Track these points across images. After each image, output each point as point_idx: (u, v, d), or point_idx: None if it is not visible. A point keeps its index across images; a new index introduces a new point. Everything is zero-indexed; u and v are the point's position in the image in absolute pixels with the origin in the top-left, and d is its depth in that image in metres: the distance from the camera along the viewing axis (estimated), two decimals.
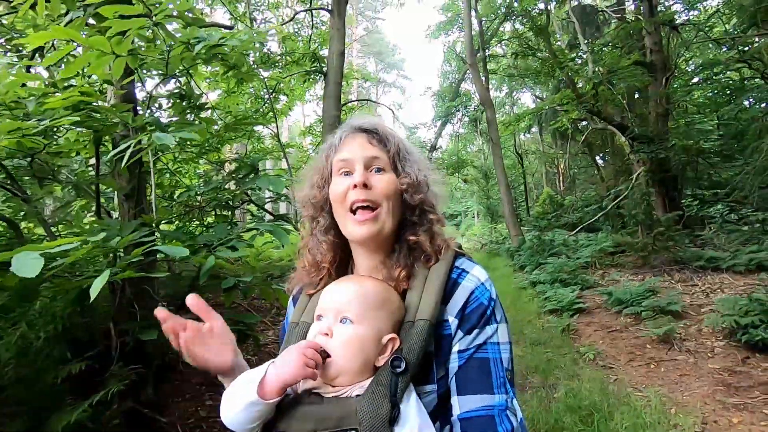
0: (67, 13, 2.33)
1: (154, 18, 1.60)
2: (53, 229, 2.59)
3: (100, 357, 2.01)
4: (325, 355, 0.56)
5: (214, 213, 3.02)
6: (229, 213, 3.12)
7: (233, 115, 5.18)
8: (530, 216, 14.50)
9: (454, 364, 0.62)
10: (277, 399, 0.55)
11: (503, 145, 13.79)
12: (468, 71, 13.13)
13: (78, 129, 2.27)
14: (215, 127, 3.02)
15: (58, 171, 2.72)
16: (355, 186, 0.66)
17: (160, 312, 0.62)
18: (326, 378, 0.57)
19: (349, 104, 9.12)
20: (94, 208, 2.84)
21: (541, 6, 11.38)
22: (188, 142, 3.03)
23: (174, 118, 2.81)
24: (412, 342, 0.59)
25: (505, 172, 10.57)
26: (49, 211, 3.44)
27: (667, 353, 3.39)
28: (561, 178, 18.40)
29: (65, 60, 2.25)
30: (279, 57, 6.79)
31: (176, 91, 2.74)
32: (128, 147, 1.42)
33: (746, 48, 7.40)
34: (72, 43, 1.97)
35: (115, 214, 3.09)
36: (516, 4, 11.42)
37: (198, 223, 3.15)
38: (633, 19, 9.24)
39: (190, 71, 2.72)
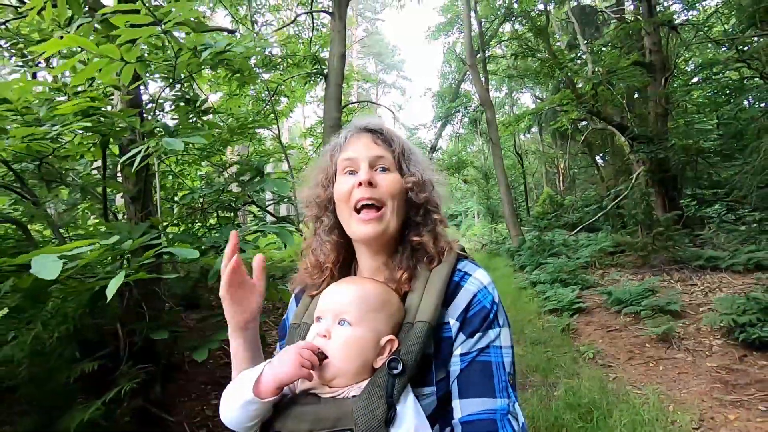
0: (71, 18, 2.38)
1: (163, 26, 1.64)
2: (60, 232, 2.63)
3: (109, 357, 2.06)
4: (322, 356, 0.57)
5: (216, 215, 3.07)
6: (232, 215, 3.17)
7: (235, 117, 5.23)
8: (530, 216, 14.52)
9: (455, 367, 0.61)
10: (273, 398, 0.55)
11: (503, 146, 13.82)
12: (468, 72, 13.16)
13: (85, 133, 2.32)
14: (217, 130, 3.07)
15: (65, 174, 2.77)
16: (360, 184, 0.66)
17: (233, 234, 0.66)
18: (324, 379, 0.57)
19: (350, 106, 9.16)
20: (98, 211, 2.90)
21: (541, 7, 11.43)
22: (192, 145, 3.08)
23: (175, 120, 2.87)
24: (410, 344, 0.58)
25: (505, 173, 10.59)
26: (53, 213, 3.48)
27: (666, 352, 3.43)
28: (561, 178, 18.42)
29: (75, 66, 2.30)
30: (280, 60, 6.84)
31: (180, 95, 2.79)
32: (139, 152, 1.47)
33: (745, 48, 7.44)
34: (81, 51, 2.01)
35: (119, 216, 3.14)
36: (515, 5, 11.47)
37: (200, 224, 3.19)
38: (632, 19, 9.27)
39: (194, 75, 2.77)
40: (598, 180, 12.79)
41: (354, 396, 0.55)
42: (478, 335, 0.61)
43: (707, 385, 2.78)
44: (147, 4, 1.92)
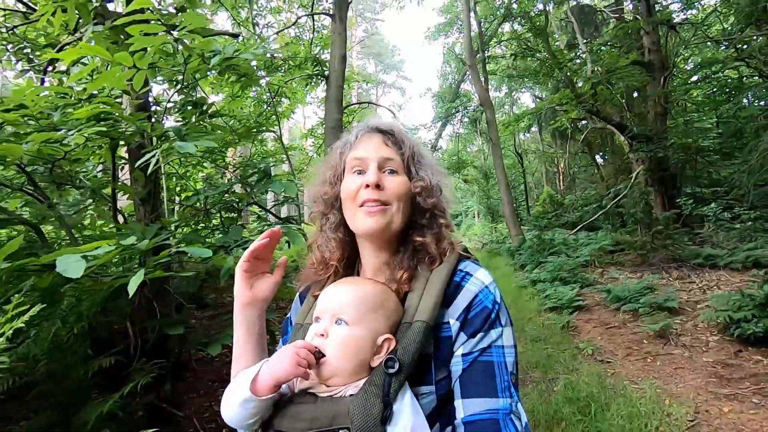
0: (77, 23, 2.45)
1: (175, 34, 1.71)
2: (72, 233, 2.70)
3: (121, 354, 2.13)
4: (319, 355, 0.57)
5: (219, 216, 3.13)
6: (236, 215, 3.23)
7: (238, 119, 5.30)
8: (530, 215, 14.58)
9: (457, 367, 0.61)
10: (270, 396, 0.56)
11: (503, 145, 13.87)
12: (467, 72, 13.22)
13: (97, 137, 2.38)
14: (220, 132, 3.13)
15: (75, 177, 2.84)
16: (368, 185, 0.67)
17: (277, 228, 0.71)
18: (321, 378, 0.58)
19: (351, 107, 9.23)
20: (104, 212, 2.96)
21: (540, 7, 11.49)
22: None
23: (178, 123, 2.93)
24: (407, 343, 0.59)
25: (505, 172, 10.64)
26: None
27: (663, 348, 3.49)
28: (561, 177, 18.46)
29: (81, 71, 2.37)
30: (282, 61, 6.91)
31: (188, 99, 2.85)
32: (154, 155, 1.53)
33: (744, 46, 7.47)
34: (95, 59, 2.08)
35: (126, 218, 3.21)
36: (515, 6, 11.52)
37: (204, 225, 3.26)
38: (631, 18, 9.31)
39: (199, 79, 2.84)
40: (598, 179, 12.83)
41: (351, 395, 0.55)
42: (480, 335, 0.62)
43: (703, 380, 2.84)
44: (155, 12, 1.99)
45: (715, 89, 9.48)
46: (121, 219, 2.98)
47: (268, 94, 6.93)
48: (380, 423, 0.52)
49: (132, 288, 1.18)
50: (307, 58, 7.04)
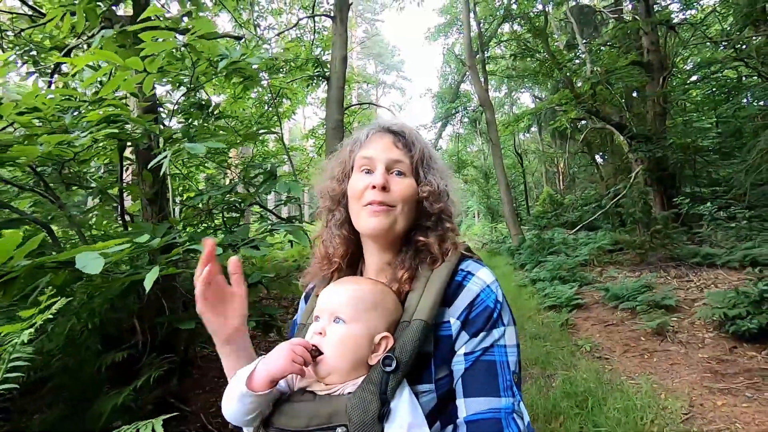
0: (83, 28, 2.51)
1: (185, 39, 1.77)
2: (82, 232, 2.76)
3: (132, 349, 2.19)
4: (316, 352, 0.58)
5: (221, 215, 3.19)
6: (239, 215, 3.29)
7: (240, 120, 5.36)
8: (530, 215, 14.65)
9: (459, 366, 0.61)
10: (267, 391, 0.56)
11: (503, 145, 13.94)
12: (467, 72, 13.28)
13: (108, 139, 2.44)
14: (223, 133, 3.19)
15: (83, 177, 2.90)
16: (374, 187, 0.67)
17: (209, 241, 0.65)
18: (319, 376, 0.59)
19: (351, 108, 9.29)
20: (109, 213, 3.03)
21: (539, 7, 11.54)
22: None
23: (181, 124, 3.00)
24: (405, 341, 0.59)
25: (504, 172, 10.70)
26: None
27: (660, 344, 3.55)
28: (561, 177, 18.52)
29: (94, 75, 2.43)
30: (283, 63, 6.97)
31: (194, 101, 2.91)
32: (165, 157, 1.59)
33: (743, 47, 7.52)
34: (104, 65, 2.14)
35: (132, 218, 3.27)
36: (514, 6, 11.58)
37: (206, 225, 3.31)
38: (630, 18, 9.37)
39: (204, 82, 2.90)
40: (598, 179, 12.88)
41: (349, 393, 0.56)
42: (482, 334, 0.61)
43: (698, 375, 2.90)
44: (164, 19, 2.05)
45: (713, 89, 9.54)
46: (127, 219, 3.05)
47: (269, 95, 7.00)
48: (378, 420, 0.53)
49: (148, 284, 1.24)
50: (308, 59, 7.11)
